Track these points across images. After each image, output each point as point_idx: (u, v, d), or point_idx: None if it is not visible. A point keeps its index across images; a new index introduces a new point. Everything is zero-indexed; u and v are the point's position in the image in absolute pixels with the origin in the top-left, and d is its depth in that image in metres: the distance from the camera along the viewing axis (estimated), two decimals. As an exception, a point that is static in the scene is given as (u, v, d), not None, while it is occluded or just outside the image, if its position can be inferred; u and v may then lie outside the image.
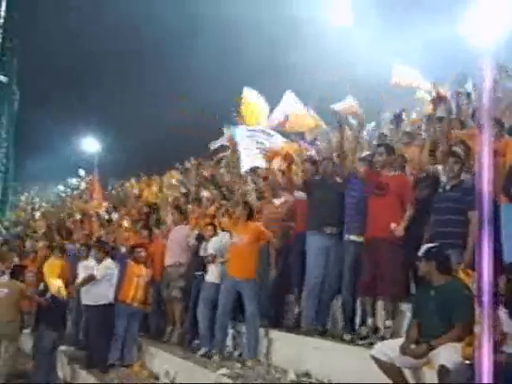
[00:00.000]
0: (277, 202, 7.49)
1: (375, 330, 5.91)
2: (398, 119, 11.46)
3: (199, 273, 7.83)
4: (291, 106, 8.11)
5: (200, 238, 8.12)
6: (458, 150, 5.85)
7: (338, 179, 6.88)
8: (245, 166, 7.50)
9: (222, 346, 7.14)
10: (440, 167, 6.26)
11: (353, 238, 6.30)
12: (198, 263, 7.92)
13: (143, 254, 8.63)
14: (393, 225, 5.78)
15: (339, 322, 6.61)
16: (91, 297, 8.53)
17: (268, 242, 7.07)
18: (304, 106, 8.25)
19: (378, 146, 6.59)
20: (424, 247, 4.81)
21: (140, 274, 8.57)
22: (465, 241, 5.21)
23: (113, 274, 8.60)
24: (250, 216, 7.20)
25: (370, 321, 5.96)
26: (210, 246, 7.67)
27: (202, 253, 7.91)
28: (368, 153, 7.33)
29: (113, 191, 15.20)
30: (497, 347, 3.78)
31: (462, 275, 4.75)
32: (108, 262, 8.68)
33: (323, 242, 6.60)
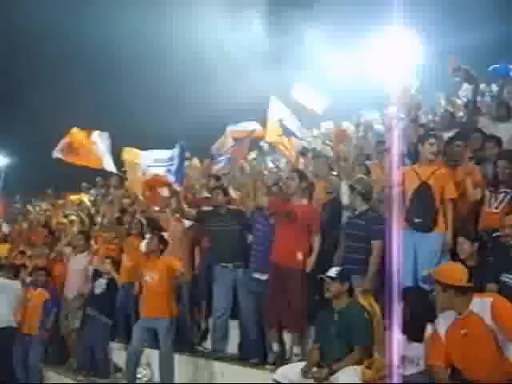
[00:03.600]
0: (187, 223, 7.26)
1: (282, 355, 5.91)
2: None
3: None
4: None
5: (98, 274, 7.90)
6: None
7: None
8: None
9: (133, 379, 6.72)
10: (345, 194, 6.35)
11: (257, 275, 6.20)
12: None
13: (43, 278, 8.21)
14: (299, 255, 5.79)
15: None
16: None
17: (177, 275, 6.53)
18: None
19: (292, 171, 6.57)
20: (335, 269, 4.91)
21: (31, 298, 8.14)
22: (367, 267, 5.37)
23: (13, 296, 8.15)
24: (163, 250, 6.66)
25: (275, 347, 5.94)
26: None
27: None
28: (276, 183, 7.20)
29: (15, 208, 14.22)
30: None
31: (361, 299, 4.92)
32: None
33: (227, 276, 6.43)
